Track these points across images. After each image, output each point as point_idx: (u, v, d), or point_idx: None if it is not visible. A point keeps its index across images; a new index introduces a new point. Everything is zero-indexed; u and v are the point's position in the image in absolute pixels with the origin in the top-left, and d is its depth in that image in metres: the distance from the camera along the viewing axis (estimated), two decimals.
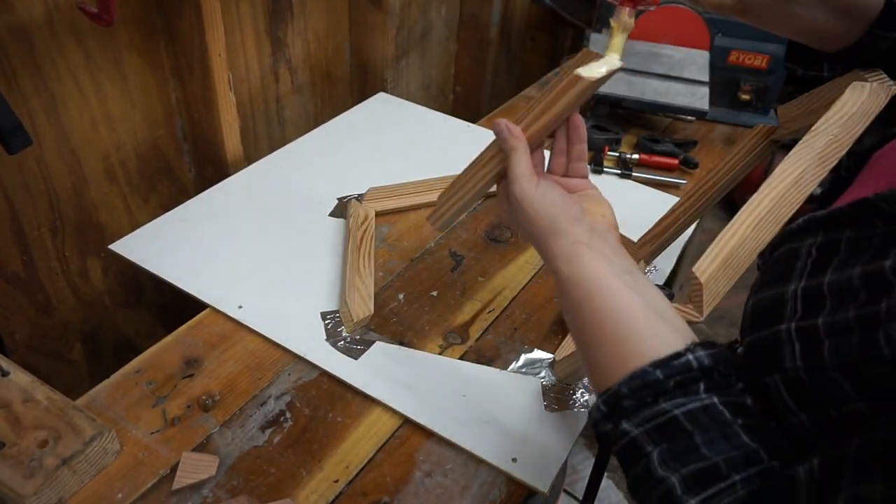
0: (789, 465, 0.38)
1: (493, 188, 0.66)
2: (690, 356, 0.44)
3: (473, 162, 0.66)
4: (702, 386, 0.44)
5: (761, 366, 0.46)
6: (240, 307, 0.86)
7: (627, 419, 0.44)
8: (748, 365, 0.46)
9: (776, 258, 0.51)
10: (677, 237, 0.94)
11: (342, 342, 0.82)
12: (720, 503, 0.40)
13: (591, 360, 0.50)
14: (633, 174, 1.18)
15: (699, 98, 1.28)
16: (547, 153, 0.66)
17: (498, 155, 0.61)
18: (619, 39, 0.64)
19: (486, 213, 1.07)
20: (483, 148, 0.65)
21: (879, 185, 0.51)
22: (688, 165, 1.23)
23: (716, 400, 0.43)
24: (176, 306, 0.90)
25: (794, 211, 0.61)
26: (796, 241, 0.50)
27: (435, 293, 0.91)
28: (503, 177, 0.62)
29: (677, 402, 0.43)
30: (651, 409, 0.43)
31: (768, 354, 0.45)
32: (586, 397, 0.78)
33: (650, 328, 0.48)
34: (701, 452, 0.41)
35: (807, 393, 0.43)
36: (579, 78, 0.56)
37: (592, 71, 0.56)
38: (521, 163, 0.58)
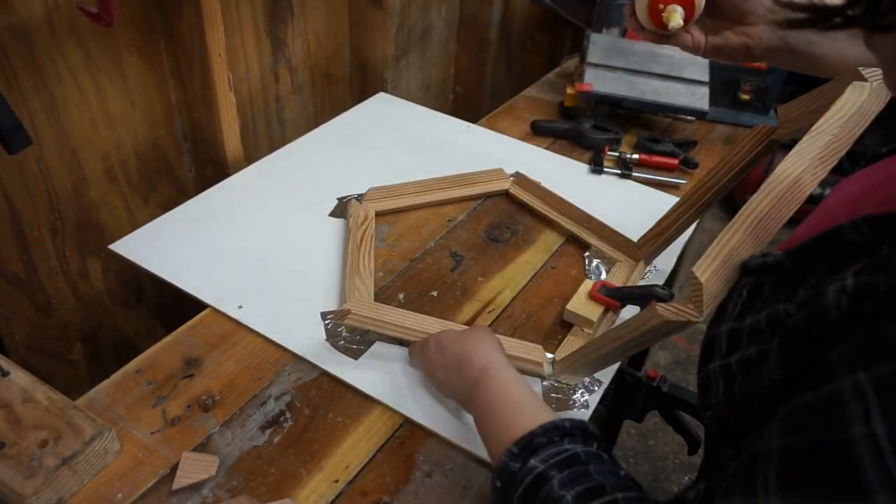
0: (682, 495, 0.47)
1: None
2: (587, 422, 0.56)
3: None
4: (595, 443, 0.55)
5: (701, 402, 0.52)
6: (240, 307, 0.86)
7: (535, 455, 0.53)
8: (701, 400, 0.53)
9: (721, 300, 0.57)
10: (677, 237, 0.94)
11: (342, 342, 0.82)
12: None
13: (503, 427, 0.58)
14: (633, 174, 1.18)
15: (699, 98, 1.28)
16: None
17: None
18: None
19: (486, 213, 1.07)
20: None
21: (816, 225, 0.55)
22: (688, 165, 1.23)
23: (603, 454, 0.54)
24: (176, 306, 0.90)
25: (794, 211, 0.61)
26: (737, 283, 0.57)
27: (435, 293, 0.92)
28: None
29: (577, 444, 0.53)
30: (557, 447, 0.53)
31: (703, 391, 0.52)
32: (586, 397, 0.78)
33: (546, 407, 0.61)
34: (593, 477, 0.50)
35: (730, 427, 0.49)
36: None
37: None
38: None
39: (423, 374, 0.78)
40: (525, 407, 0.60)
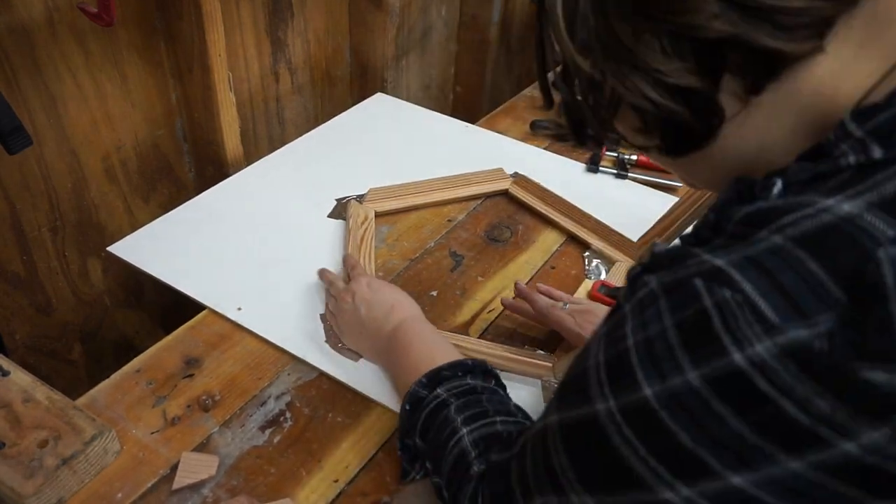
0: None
1: None
2: (486, 361, 0.69)
3: None
4: (492, 380, 0.68)
5: None
6: (239, 309, 0.85)
7: (441, 385, 0.64)
8: None
9: None
10: (677, 237, 0.94)
11: (341, 343, 0.82)
12: (479, 429, 0.59)
13: (417, 365, 0.68)
14: (630, 175, 1.18)
15: None
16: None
17: None
18: None
19: (485, 213, 1.07)
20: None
21: None
22: None
23: (498, 389, 0.67)
24: (176, 306, 0.90)
25: None
26: None
27: (435, 293, 0.92)
28: None
29: (476, 380, 0.66)
30: (460, 381, 0.65)
31: None
32: None
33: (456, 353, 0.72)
34: (482, 404, 0.62)
35: None
36: None
37: None
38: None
39: (336, 322, 0.83)
40: (438, 351, 0.70)
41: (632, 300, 0.39)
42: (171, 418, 0.72)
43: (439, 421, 0.62)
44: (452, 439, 0.59)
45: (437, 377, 0.65)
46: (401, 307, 0.78)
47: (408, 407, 0.65)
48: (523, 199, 1.08)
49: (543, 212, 1.06)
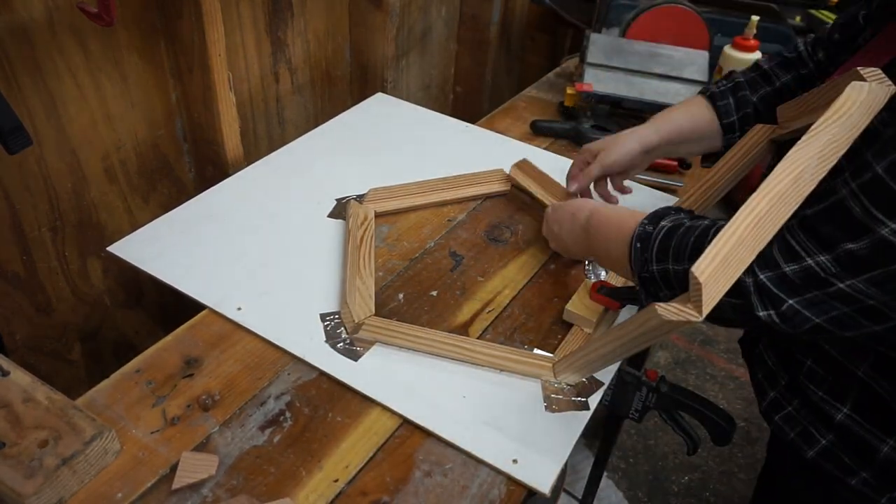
0: None
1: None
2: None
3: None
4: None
5: None
6: (238, 309, 0.85)
7: (663, 220, 0.70)
8: None
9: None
10: None
11: (341, 343, 0.82)
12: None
13: (626, 226, 0.74)
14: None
15: None
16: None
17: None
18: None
19: (485, 213, 1.07)
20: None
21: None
22: (682, 166, 1.23)
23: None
24: (176, 306, 0.90)
25: (793, 211, 0.61)
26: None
27: (435, 293, 0.92)
28: None
29: (686, 214, 0.72)
30: (676, 214, 0.71)
31: None
32: (586, 397, 0.78)
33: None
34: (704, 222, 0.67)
35: None
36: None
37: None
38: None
39: (558, 248, 0.94)
40: (634, 213, 0.75)
41: None
42: (171, 418, 0.73)
43: (678, 236, 0.66)
44: (707, 235, 0.63)
45: (656, 216, 0.71)
46: (578, 209, 0.87)
47: (638, 245, 0.70)
48: (521, 183, 1.08)
49: (541, 198, 1.05)
